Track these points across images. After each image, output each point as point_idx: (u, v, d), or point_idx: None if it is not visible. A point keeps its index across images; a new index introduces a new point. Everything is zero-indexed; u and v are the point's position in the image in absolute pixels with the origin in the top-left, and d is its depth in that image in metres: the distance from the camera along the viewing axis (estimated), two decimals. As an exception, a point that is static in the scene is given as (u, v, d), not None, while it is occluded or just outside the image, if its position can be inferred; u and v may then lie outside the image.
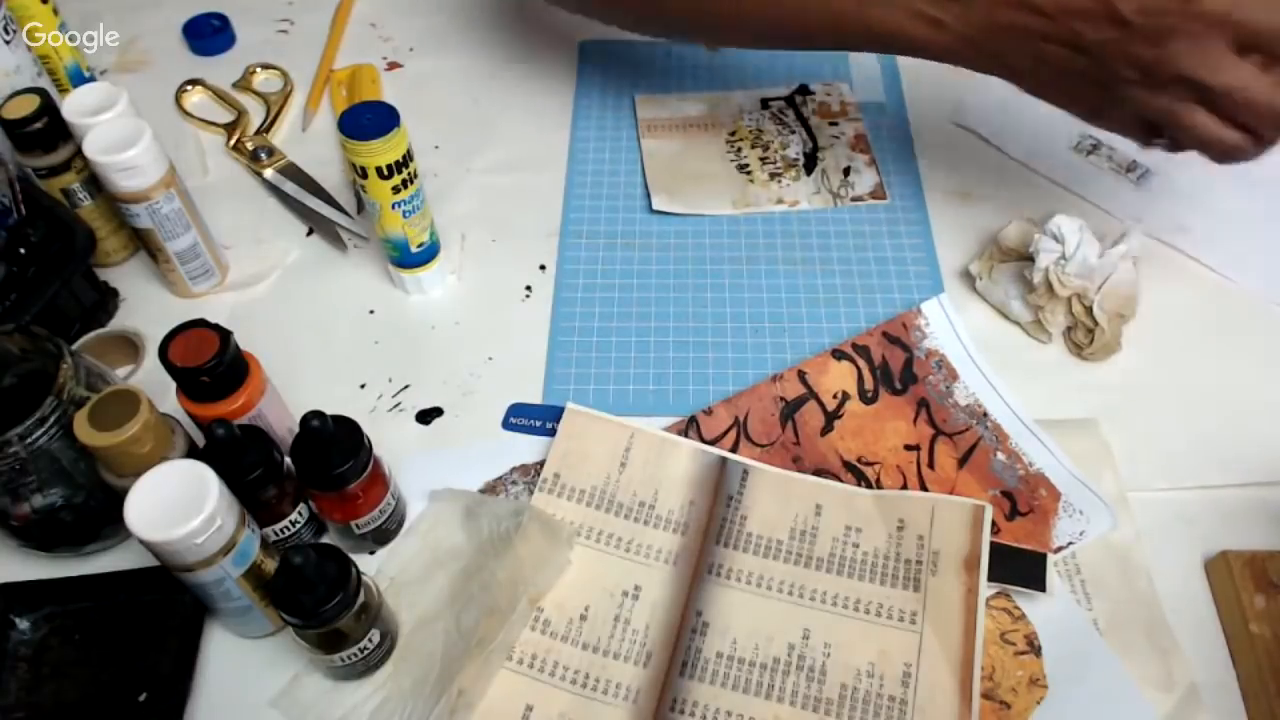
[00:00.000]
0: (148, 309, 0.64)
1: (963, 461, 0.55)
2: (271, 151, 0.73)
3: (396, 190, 0.57)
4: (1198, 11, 0.47)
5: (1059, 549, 0.52)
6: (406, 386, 0.60)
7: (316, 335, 0.63)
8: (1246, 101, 0.48)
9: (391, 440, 0.57)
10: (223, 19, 0.82)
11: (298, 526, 0.51)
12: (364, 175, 0.56)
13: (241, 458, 0.47)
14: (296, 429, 0.48)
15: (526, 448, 0.57)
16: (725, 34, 0.65)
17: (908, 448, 0.56)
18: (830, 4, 0.56)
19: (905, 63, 0.77)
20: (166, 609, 0.50)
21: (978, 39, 0.53)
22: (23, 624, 0.51)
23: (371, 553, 0.53)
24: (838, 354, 0.60)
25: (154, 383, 0.52)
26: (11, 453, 0.46)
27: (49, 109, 0.59)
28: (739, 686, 0.48)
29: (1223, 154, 0.50)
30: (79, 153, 0.59)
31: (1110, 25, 0.49)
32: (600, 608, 0.51)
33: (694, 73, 0.78)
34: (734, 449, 0.56)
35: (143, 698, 0.48)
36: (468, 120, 0.76)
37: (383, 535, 0.53)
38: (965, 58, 0.55)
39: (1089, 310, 0.58)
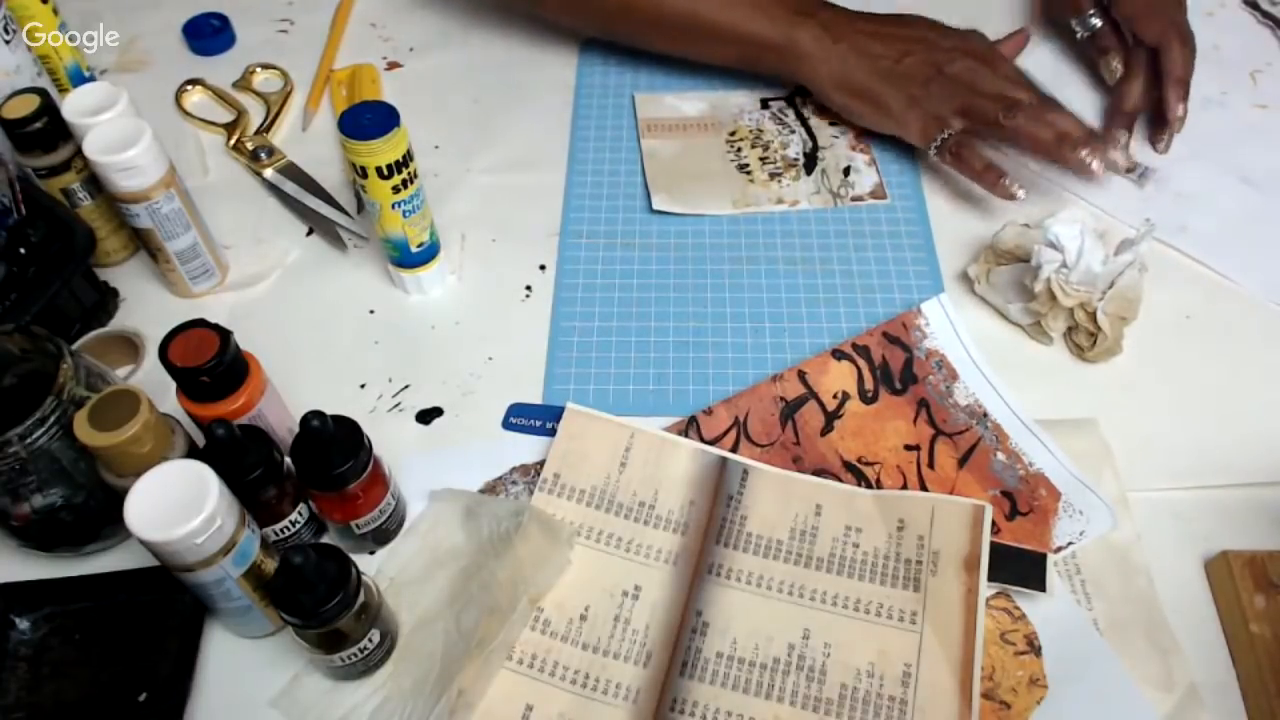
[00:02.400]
0: (148, 309, 0.64)
1: (963, 461, 0.55)
2: (271, 151, 0.73)
3: (396, 190, 0.57)
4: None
5: (1059, 549, 0.52)
6: (406, 386, 0.60)
7: (316, 335, 0.63)
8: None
9: (391, 440, 0.57)
10: (223, 19, 0.82)
11: (298, 526, 0.51)
12: (364, 175, 0.56)
13: (241, 458, 0.47)
14: (296, 429, 0.48)
15: (526, 448, 0.57)
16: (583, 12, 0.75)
17: (908, 448, 0.56)
18: (711, 15, 0.69)
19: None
20: (166, 609, 0.50)
21: (827, 46, 0.68)
22: (23, 624, 0.51)
23: (371, 553, 0.53)
24: (838, 354, 0.60)
25: (154, 383, 0.52)
26: (11, 453, 0.46)
27: (49, 109, 0.59)
28: (739, 686, 0.48)
29: (1004, 112, 0.64)
30: (79, 153, 0.59)
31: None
32: (600, 608, 0.51)
33: (694, 73, 0.78)
34: (734, 449, 0.56)
35: (143, 698, 0.48)
36: (468, 120, 0.76)
37: (383, 535, 0.53)
38: (816, 57, 0.69)
39: (1092, 316, 0.58)
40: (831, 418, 0.57)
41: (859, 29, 0.68)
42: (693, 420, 0.57)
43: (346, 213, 0.69)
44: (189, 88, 0.78)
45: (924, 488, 0.55)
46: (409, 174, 0.57)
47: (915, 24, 0.70)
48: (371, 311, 0.64)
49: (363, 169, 0.56)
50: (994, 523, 0.52)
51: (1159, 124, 0.70)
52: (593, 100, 0.77)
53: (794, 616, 0.50)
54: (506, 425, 0.58)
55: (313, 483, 0.49)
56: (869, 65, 0.68)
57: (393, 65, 0.80)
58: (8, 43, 0.64)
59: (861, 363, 0.59)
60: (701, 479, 0.54)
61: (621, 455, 0.55)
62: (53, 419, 0.46)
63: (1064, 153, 0.63)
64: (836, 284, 0.64)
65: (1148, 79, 0.70)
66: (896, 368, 0.59)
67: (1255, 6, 0.82)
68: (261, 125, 0.75)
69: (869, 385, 0.59)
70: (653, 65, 0.79)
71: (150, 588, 0.50)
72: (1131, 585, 0.51)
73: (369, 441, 0.49)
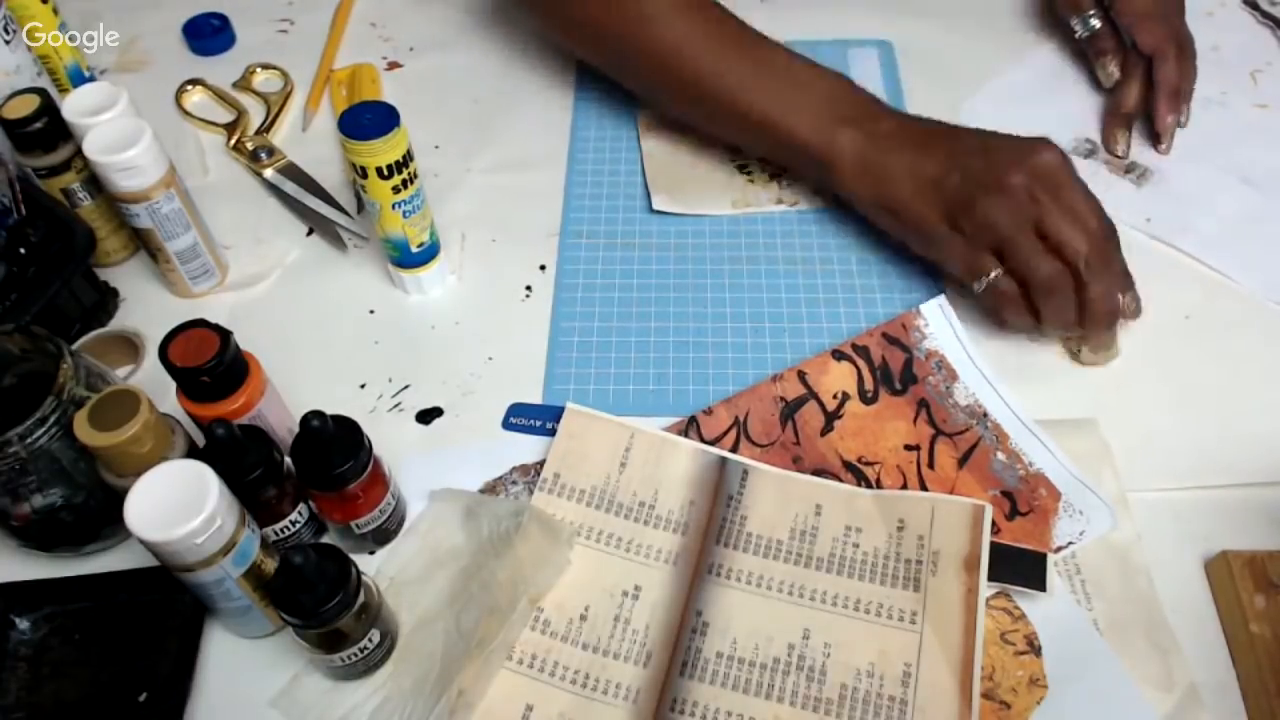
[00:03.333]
0: (148, 309, 0.64)
1: (963, 461, 0.55)
2: (271, 151, 0.73)
3: (396, 190, 0.57)
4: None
5: (1059, 549, 0.52)
6: (406, 386, 0.60)
7: (316, 335, 0.63)
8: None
9: (391, 440, 0.57)
10: (223, 19, 0.82)
11: (298, 526, 0.51)
12: (364, 175, 0.56)
13: (241, 458, 0.47)
14: (296, 429, 0.48)
15: (526, 448, 0.57)
16: (653, 85, 0.69)
17: (908, 448, 0.56)
18: (753, 102, 0.63)
19: (905, 64, 0.77)
20: (166, 609, 0.50)
21: (868, 156, 0.60)
22: (23, 624, 0.51)
23: (371, 553, 0.53)
24: (838, 354, 0.60)
25: (154, 383, 0.52)
26: (11, 453, 0.46)
27: (49, 109, 0.59)
28: (739, 686, 0.48)
29: (1043, 283, 0.55)
30: (79, 153, 0.59)
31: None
32: (600, 608, 0.51)
33: (694, 73, 0.78)
34: (734, 449, 0.56)
35: (143, 698, 0.48)
36: (468, 120, 0.76)
37: (383, 535, 0.53)
38: (851, 172, 0.61)
39: None
40: (831, 418, 0.57)
41: (904, 139, 0.60)
42: (693, 420, 0.57)
43: (346, 213, 0.69)
44: (189, 88, 0.78)
45: (924, 488, 0.55)
46: (409, 174, 0.57)
47: (968, 136, 0.60)
48: (371, 311, 0.64)
49: (363, 169, 0.56)
50: (994, 523, 0.52)
51: (1154, 130, 0.70)
52: (593, 100, 0.77)
53: (794, 616, 0.50)
54: (506, 425, 0.58)
55: (313, 483, 0.49)
56: (910, 185, 0.59)
57: (393, 65, 0.80)
58: (8, 43, 0.65)
59: (861, 363, 0.59)
60: (701, 479, 0.54)
61: (621, 455, 0.55)
62: (53, 419, 0.46)
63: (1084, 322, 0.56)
64: (836, 284, 0.64)
65: (1144, 84, 0.70)
66: (896, 368, 0.59)
67: (1255, 6, 0.82)
68: (261, 125, 0.75)
69: (869, 385, 0.59)
70: (653, 65, 0.79)
71: (150, 588, 0.50)
72: (1131, 585, 0.51)
73: (369, 441, 0.49)
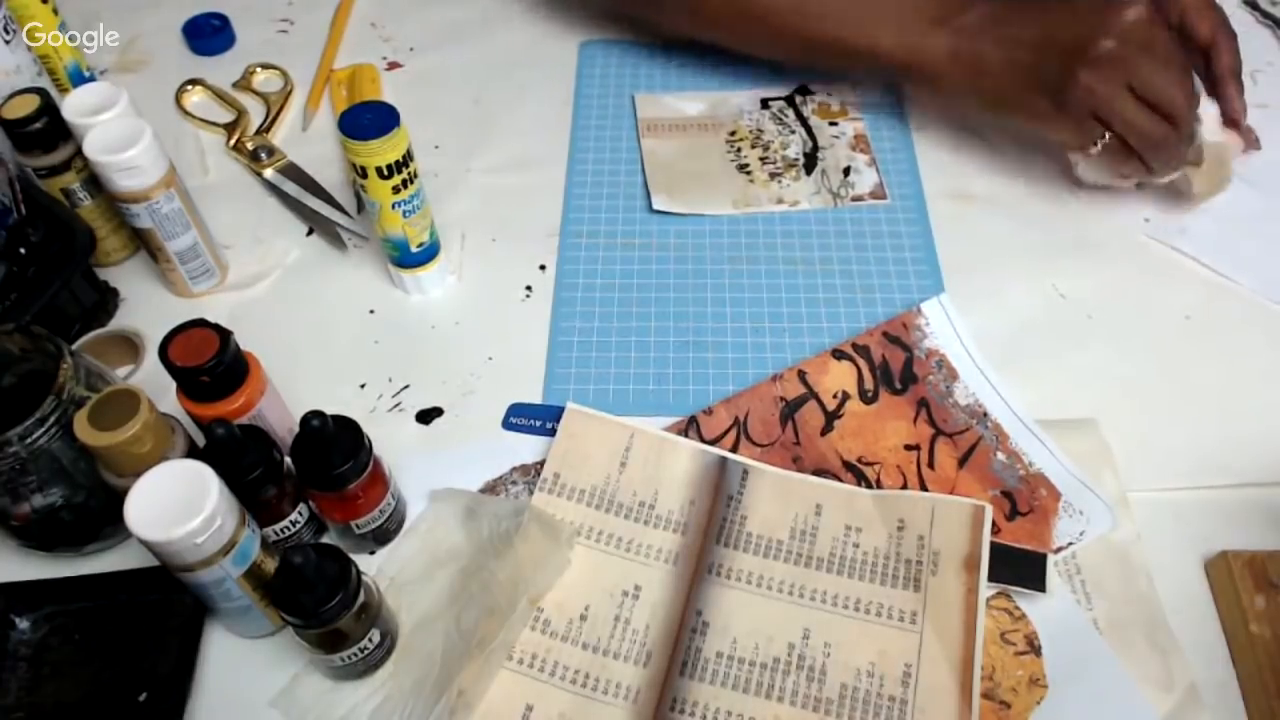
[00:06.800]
0: (148, 309, 0.64)
1: (963, 461, 0.55)
2: (271, 151, 0.73)
3: (396, 190, 0.57)
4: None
5: (1059, 549, 0.52)
6: (406, 386, 0.60)
7: (316, 335, 0.63)
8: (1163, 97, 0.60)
9: (391, 440, 0.57)
10: (223, 19, 0.82)
11: (298, 526, 0.51)
12: (364, 175, 0.56)
13: (241, 458, 0.47)
14: (296, 429, 0.48)
15: (526, 448, 0.57)
16: (723, 25, 0.71)
17: (908, 448, 0.56)
18: (826, 27, 0.66)
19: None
20: (166, 609, 0.50)
21: (961, 53, 0.63)
22: (23, 624, 0.51)
23: (371, 553, 0.53)
24: (838, 354, 0.60)
25: (154, 383, 0.52)
26: (11, 453, 0.46)
27: (49, 109, 0.59)
28: (739, 686, 0.48)
29: (1146, 139, 0.60)
30: (79, 153, 0.59)
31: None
32: (600, 608, 0.51)
33: (694, 73, 0.78)
34: (734, 449, 0.56)
35: (143, 698, 0.48)
36: (468, 120, 0.76)
37: (383, 535, 0.53)
38: (947, 72, 0.63)
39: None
40: (831, 417, 0.57)
41: (993, 25, 0.62)
42: (693, 420, 0.57)
43: (346, 213, 0.69)
44: (189, 88, 0.78)
45: (924, 488, 0.55)
46: (409, 174, 0.57)
47: (1055, 7, 0.61)
48: (371, 311, 0.64)
49: (363, 169, 0.56)
50: (994, 523, 0.52)
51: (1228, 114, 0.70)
52: (593, 100, 0.77)
53: (794, 616, 0.50)
54: (506, 425, 0.58)
55: (313, 483, 0.49)
56: (1009, 73, 0.61)
57: (393, 65, 0.80)
58: (8, 43, 0.65)
59: (861, 362, 0.59)
60: (701, 479, 0.54)
61: (621, 455, 0.55)
62: (53, 419, 0.46)
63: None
64: (836, 284, 0.64)
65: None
66: (896, 367, 0.59)
67: (1255, 6, 0.82)
68: (261, 125, 0.75)
69: (869, 385, 0.59)
70: (652, 65, 0.79)
71: (150, 588, 0.50)
72: (1131, 585, 0.51)
73: (369, 441, 0.49)
